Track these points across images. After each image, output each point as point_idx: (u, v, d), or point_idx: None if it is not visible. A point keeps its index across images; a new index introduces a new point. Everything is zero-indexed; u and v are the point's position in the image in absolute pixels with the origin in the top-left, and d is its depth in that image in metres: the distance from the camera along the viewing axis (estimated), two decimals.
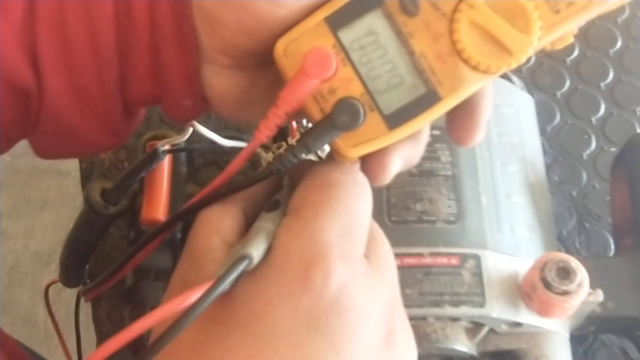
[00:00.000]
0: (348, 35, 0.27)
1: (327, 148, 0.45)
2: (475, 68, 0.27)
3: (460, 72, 0.27)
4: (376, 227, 0.30)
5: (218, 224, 0.29)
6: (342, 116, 0.28)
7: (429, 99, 0.27)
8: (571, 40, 0.30)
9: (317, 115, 0.28)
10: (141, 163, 0.43)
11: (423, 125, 0.29)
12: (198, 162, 0.57)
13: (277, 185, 0.32)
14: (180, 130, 0.42)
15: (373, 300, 0.27)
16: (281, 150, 0.32)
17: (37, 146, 0.33)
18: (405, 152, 0.30)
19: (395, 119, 0.28)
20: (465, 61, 0.27)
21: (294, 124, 0.43)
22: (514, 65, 0.27)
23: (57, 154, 0.34)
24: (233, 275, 0.25)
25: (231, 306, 0.26)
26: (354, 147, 0.29)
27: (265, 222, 0.28)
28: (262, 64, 0.31)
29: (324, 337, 0.25)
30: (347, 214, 0.28)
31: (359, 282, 0.27)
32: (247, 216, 0.30)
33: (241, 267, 0.26)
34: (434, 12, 0.27)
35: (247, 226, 0.30)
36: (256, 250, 0.26)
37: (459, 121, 0.31)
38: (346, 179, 0.29)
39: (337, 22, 0.27)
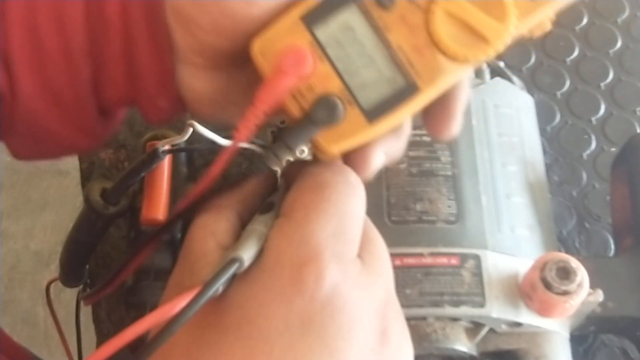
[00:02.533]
0: (324, 31, 0.27)
1: None
2: (453, 59, 0.27)
3: (439, 64, 0.27)
4: (371, 226, 0.30)
5: (213, 227, 0.29)
6: (320, 112, 0.27)
7: (408, 91, 0.27)
8: (549, 27, 0.30)
9: (297, 114, 0.28)
10: (141, 163, 0.43)
11: (404, 118, 0.29)
12: (198, 162, 0.57)
13: (273, 187, 0.32)
14: (180, 130, 0.42)
15: (366, 300, 0.27)
16: (258, 149, 0.32)
17: (12, 148, 0.33)
18: (387, 146, 0.30)
19: (375, 113, 0.28)
20: (443, 52, 0.27)
21: None
22: (492, 54, 0.27)
23: (32, 156, 0.34)
24: (223, 279, 0.25)
25: (224, 309, 0.26)
26: (334, 143, 0.28)
27: (258, 225, 0.28)
28: (238, 64, 0.31)
29: (318, 339, 0.25)
30: (339, 214, 0.27)
31: (352, 283, 0.26)
32: (243, 219, 0.30)
33: (231, 271, 0.26)
34: (409, 4, 0.27)
35: (242, 229, 0.29)
36: (247, 252, 0.26)
37: (435, 113, 0.30)
38: (338, 180, 0.29)
39: (312, 19, 0.27)
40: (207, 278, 0.25)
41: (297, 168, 0.31)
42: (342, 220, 0.27)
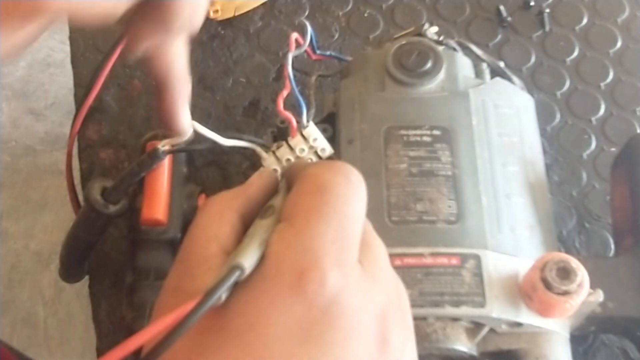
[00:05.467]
0: None
1: (327, 149, 0.45)
2: None
3: None
4: (370, 230, 0.30)
5: (216, 231, 0.29)
6: None
7: None
8: None
9: None
10: (141, 163, 0.43)
11: None
12: (198, 162, 0.57)
13: (275, 188, 0.32)
14: None
15: (365, 307, 0.26)
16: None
17: None
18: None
19: None
20: None
21: (294, 123, 0.43)
22: None
23: None
24: (224, 287, 0.25)
25: (225, 315, 0.26)
26: None
27: (259, 230, 0.28)
28: None
29: (317, 346, 0.25)
30: (339, 218, 0.27)
31: (352, 289, 0.26)
32: (245, 222, 0.30)
33: (233, 279, 0.26)
34: None
35: (244, 232, 0.29)
36: (248, 260, 0.26)
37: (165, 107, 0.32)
38: (338, 181, 0.28)
39: None
40: (209, 286, 0.25)
41: (298, 169, 0.31)
42: (342, 225, 0.27)
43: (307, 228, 0.27)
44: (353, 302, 0.26)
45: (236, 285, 0.26)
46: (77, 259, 0.50)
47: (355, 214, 0.28)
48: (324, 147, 0.43)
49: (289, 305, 0.25)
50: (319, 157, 0.43)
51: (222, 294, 0.25)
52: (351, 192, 0.29)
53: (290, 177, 0.31)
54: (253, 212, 0.30)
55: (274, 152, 0.43)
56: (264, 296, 0.26)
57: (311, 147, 0.43)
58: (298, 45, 0.46)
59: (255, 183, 0.32)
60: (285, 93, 0.42)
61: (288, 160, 0.42)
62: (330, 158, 0.44)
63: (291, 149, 0.42)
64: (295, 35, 0.45)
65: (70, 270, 0.51)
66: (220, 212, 0.30)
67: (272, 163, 0.42)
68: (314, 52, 0.50)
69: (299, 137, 0.42)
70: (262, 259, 0.27)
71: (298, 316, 0.25)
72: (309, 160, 0.36)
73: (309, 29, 0.46)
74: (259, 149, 0.43)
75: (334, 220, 0.27)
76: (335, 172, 0.29)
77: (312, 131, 0.43)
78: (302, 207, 0.28)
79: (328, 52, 0.53)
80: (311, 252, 0.26)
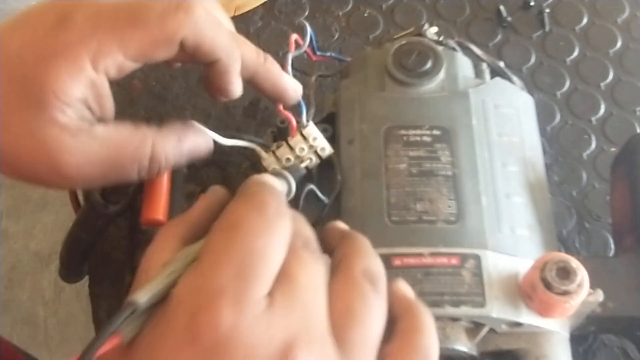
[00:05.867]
0: None
1: (327, 148, 0.45)
2: None
3: None
4: (297, 261, 0.28)
5: (157, 258, 0.29)
6: None
7: None
8: None
9: None
10: None
11: None
12: (198, 162, 0.57)
13: (224, 207, 0.31)
14: None
15: (265, 342, 0.26)
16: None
17: None
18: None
19: None
20: None
21: (294, 122, 0.43)
22: None
23: None
24: (117, 322, 0.26)
25: (130, 356, 0.27)
26: None
27: (175, 261, 0.28)
28: None
29: None
30: (244, 253, 0.26)
31: (250, 325, 0.25)
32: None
33: (125, 314, 0.26)
34: None
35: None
36: (143, 295, 0.26)
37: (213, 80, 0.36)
38: (249, 216, 0.28)
39: None
40: (106, 324, 0.26)
41: (242, 187, 0.31)
42: (246, 260, 0.26)
43: (209, 266, 0.26)
44: (248, 338, 0.25)
45: (146, 320, 0.27)
46: (77, 258, 0.50)
47: (264, 248, 0.27)
48: (324, 146, 0.43)
49: (180, 347, 0.25)
50: (319, 157, 0.43)
51: (121, 329, 0.26)
52: (263, 226, 0.28)
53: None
54: (198, 236, 0.30)
55: (273, 152, 0.43)
56: (160, 338, 0.26)
57: (311, 147, 0.43)
58: (298, 46, 0.46)
59: (198, 207, 0.32)
60: None
61: (288, 159, 0.42)
62: (330, 157, 0.45)
63: (291, 148, 0.42)
64: (295, 37, 0.45)
65: (70, 270, 0.51)
66: (162, 241, 0.30)
67: (272, 163, 0.42)
68: (314, 53, 0.50)
69: (298, 137, 0.43)
70: (169, 296, 0.27)
71: (186, 357, 0.25)
72: (274, 180, 0.36)
73: (309, 29, 0.46)
74: (258, 149, 0.43)
75: (236, 257, 0.26)
76: (249, 208, 0.28)
77: (312, 130, 0.43)
78: (210, 245, 0.28)
79: (328, 53, 0.53)
80: (207, 291, 0.26)
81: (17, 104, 0.32)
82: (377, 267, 0.31)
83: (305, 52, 0.47)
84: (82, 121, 0.33)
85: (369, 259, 0.31)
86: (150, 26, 0.33)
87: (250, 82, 0.39)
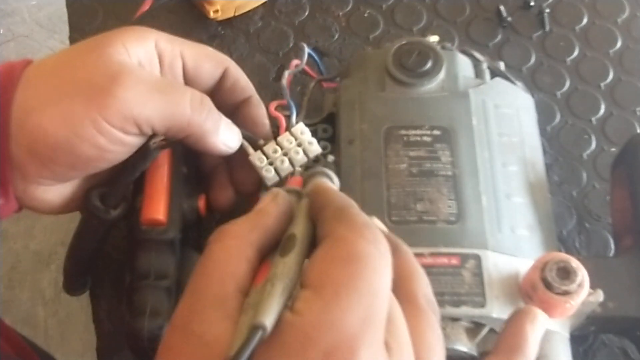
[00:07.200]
0: None
1: (314, 143, 0.45)
2: None
3: None
4: (394, 303, 0.28)
5: (234, 268, 0.27)
6: None
7: None
8: None
9: None
10: (132, 160, 0.42)
11: None
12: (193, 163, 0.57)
13: (291, 213, 0.30)
14: None
15: None
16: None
17: None
18: None
19: None
20: None
21: (284, 121, 0.45)
22: None
23: None
24: (247, 352, 0.24)
25: None
26: None
27: (281, 276, 0.26)
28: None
29: None
30: (371, 294, 0.25)
31: None
32: (262, 255, 0.29)
33: (255, 341, 0.24)
34: None
35: (260, 266, 0.28)
36: (269, 318, 0.25)
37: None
38: (370, 251, 0.26)
39: None
40: (232, 353, 0.24)
41: (324, 201, 0.29)
42: (373, 301, 0.25)
43: (337, 302, 0.25)
44: None
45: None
46: (81, 270, 0.49)
47: (384, 290, 0.26)
48: (311, 140, 0.44)
49: None
50: (305, 153, 0.44)
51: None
52: (383, 264, 0.27)
53: (315, 207, 0.30)
54: (270, 244, 0.29)
55: (261, 148, 0.44)
56: None
57: (299, 144, 0.44)
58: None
59: (272, 212, 0.30)
60: (278, 102, 0.46)
61: (275, 151, 0.43)
62: (324, 156, 0.45)
63: (277, 144, 0.44)
64: (295, 62, 0.50)
65: (74, 282, 0.49)
66: (237, 247, 0.28)
67: (258, 158, 0.43)
68: (321, 74, 0.56)
69: (286, 134, 0.44)
70: (282, 323, 0.25)
71: None
72: (326, 180, 0.35)
73: (307, 50, 0.50)
74: (246, 144, 0.43)
75: (365, 296, 0.25)
76: (368, 242, 0.27)
77: (300, 128, 0.44)
78: (331, 277, 0.26)
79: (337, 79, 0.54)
80: (340, 331, 0.24)
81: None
82: (430, 289, 0.31)
83: (309, 74, 0.54)
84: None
85: (425, 282, 0.31)
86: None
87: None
